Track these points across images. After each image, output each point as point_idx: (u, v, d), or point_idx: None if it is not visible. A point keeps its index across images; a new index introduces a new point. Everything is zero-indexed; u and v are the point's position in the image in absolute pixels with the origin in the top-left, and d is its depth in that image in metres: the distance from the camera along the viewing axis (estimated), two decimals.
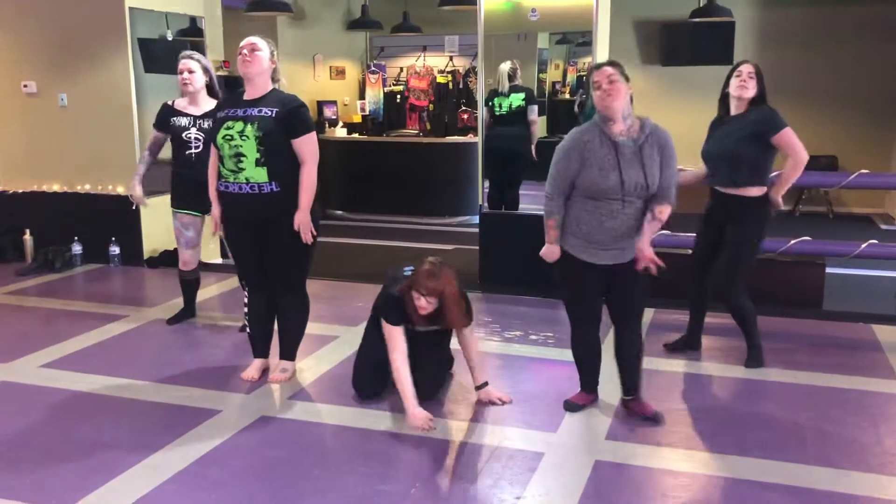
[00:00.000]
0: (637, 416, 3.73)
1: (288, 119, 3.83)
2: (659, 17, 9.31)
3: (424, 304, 3.63)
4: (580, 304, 3.74)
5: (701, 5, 8.43)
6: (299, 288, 4.16)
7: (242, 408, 3.89)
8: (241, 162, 3.80)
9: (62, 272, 6.61)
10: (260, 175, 3.81)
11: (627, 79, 3.51)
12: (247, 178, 3.82)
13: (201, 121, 4.78)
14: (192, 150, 4.77)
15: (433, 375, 4.00)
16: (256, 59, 3.86)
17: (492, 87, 6.47)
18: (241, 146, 3.78)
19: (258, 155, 3.78)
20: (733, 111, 4.25)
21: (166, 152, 5.03)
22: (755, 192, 4.22)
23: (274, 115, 3.82)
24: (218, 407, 3.88)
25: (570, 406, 3.85)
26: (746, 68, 4.20)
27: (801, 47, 9.11)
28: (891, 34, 8.83)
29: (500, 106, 6.54)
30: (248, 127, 3.78)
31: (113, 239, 6.77)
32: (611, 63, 3.58)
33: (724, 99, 4.31)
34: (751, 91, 4.17)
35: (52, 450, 3.46)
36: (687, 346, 4.65)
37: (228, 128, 3.82)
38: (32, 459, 3.37)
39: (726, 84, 4.28)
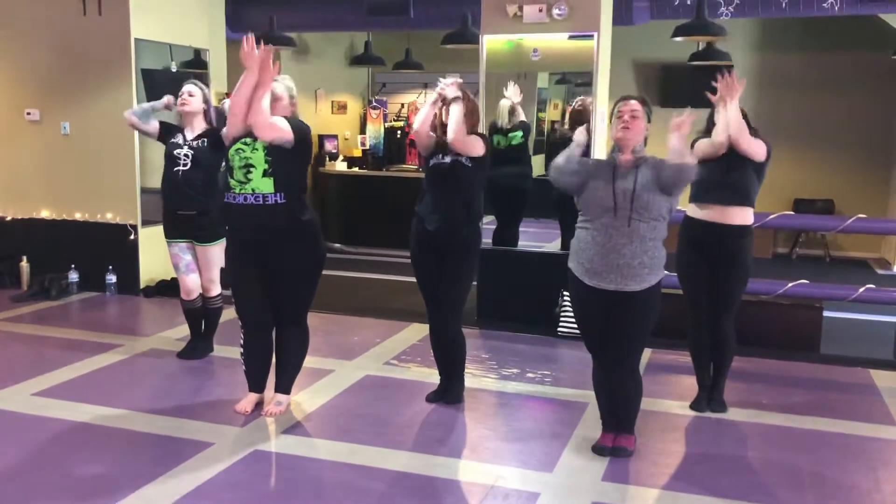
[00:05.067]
0: (612, 445, 3.72)
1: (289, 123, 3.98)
2: (659, 59, 9.40)
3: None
4: (582, 331, 3.78)
5: (700, 49, 8.51)
6: (303, 319, 4.21)
7: (236, 441, 3.85)
8: (250, 172, 3.93)
9: (58, 300, 6.58)
10: (266, 185, 3.92)
11: (649, 119, 3.62)
12: (253, 189, 3.93)
13: (193, 142, 4.97)
14: (181, 167, 4.96)
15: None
16: (277, 109, 3.99)
17: (492, 120, 6.49)
18: (251, 158, 3.92)
19: (266, 165, 3.92)
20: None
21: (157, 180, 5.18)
22: (751, 218, 4.23)
23: None
24: (211, 439, 3.84)
25: (596, 449, 3.76)
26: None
27: (799, 92, 9.20)
28: (886, 80, 8.93)
29: (499, 143, 6.57)
30: (259, 139, 3.92)
31: (110, 267, 6.76)
32: (640, 99, 3.67)
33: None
34: None
35: (43, 480, 3.41)
36: (709, 405, 4.34)
37: (244, 143, 3.96)
38: (22, 489, 3.32)
39: (711, 118, 4.27)
